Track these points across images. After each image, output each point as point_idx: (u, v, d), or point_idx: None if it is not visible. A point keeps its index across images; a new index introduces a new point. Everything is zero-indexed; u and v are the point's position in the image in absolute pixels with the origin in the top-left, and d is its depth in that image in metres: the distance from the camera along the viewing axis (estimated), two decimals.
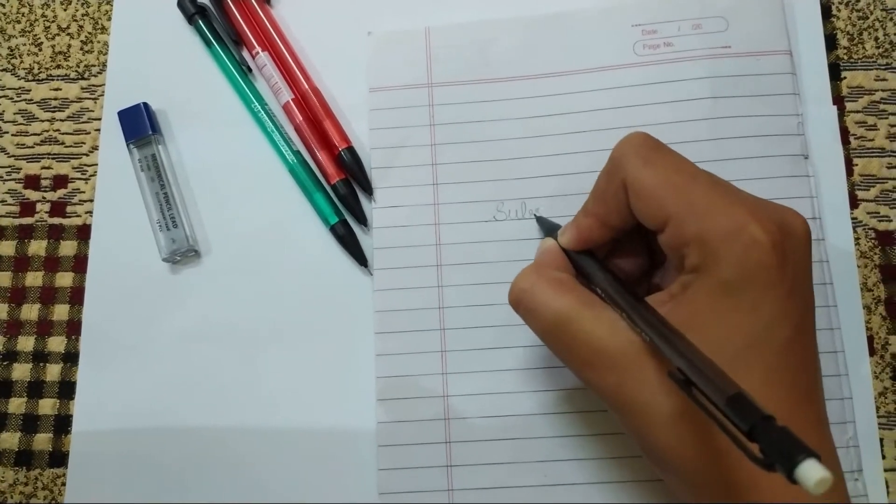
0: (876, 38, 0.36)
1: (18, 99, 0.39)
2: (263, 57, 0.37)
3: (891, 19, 0.37)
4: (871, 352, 0.33)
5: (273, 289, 0.35)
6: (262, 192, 0.36)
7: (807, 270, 0.24)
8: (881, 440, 0.32)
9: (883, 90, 0.36)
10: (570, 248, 0.28)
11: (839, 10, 0.37)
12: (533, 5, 0.37)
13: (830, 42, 0.36)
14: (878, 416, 0.32)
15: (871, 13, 0.37)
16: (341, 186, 0.35)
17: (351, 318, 0.34)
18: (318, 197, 0.35)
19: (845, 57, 0.36)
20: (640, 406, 0.23)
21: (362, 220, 0.35)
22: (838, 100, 0.36)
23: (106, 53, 0.39)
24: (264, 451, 0.33)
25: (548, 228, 0.32)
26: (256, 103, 0.37)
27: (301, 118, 0.36)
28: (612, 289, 0.25)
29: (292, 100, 0.37)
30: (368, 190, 0.35)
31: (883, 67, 0.36)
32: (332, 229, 0.35)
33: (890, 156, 0.35)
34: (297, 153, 0.36)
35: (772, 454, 0.17)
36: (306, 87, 0.36)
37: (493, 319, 0.33)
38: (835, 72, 0.36)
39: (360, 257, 0.35)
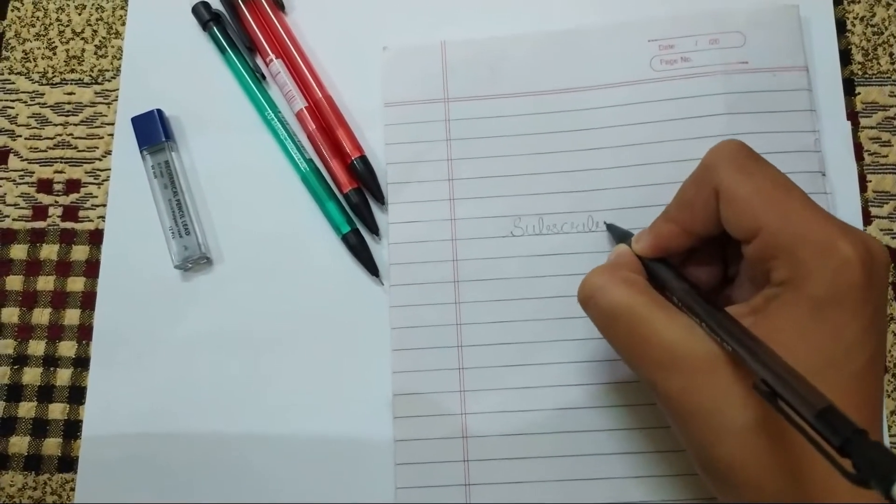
0: (891, 54, 0.36)
1: (32, 103, 0.39)
2: (277, 64, 0.37)
3: None
4: (884, 370, 0.33)
5: (284, 297, 0.35)
6: (274, 200, 0.36)
7: (886, 296, 0.24)
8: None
9: None
10: (646, 255, 0.27)
11: (854, 25, 0.37)
12: (548, 21, 0.37)
13: (845, 57, 0.36)
14: (890, 435, 0.32)
15: (886, 29, 0.37)
16: (353, 195, 0.35)
17: (362, 327, 0.34)
18: (331, 206, 0.35)
19: (860, 72, 0.36)
20: (709, 414, 0.23)
21: (374, 229, 0.35)
22: (852, 115, 0.36)
23: (120, 58, 0.39)
24: (274, 460, 0.34)
25: (619, 236, 0.31)
26: (270, 111, 0.37)
27: (314, 126, 0.36)
28: (691, 297, 0.25)
29: (305, 108, 0.37)
30: (381, 199, 0.35)
31: None
32: (344, 238, 0.35)
33: None
34: (309, 161, 0.36)
35: (866, 470, 0.17)
36: (320, 95, 0.36)
37: (512, 336, 0.33)
38: (849, 87, 0.36)
39: (371, 267, 0.35)
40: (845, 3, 0.37)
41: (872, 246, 0.23)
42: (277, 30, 0.38)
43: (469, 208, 0.34)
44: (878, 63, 0.36)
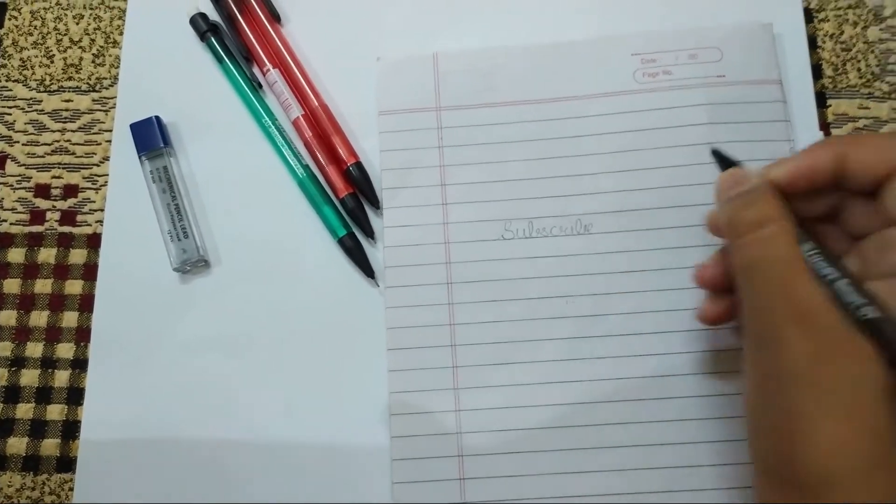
0: (859, 69, 0.38)
1: (30, 109, 0.40)
2: (274, 74, 0.38)
3: (872, 52, 0.39)
4: None
5: (281, 299, 0.36)
6: (271, 205, 0.37)
7: None
8: None
9: (866, 118, 0.38)
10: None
11: (824, 42, 0.39)
12: (537, 34, 0.38)
13: (816, 71, 0.38)
14: None
15: (854, 45, 0.39)
16: (349, 200, 0.36)
17: (358, 328, 0.35)
18: (327, 210, 0.36)
19: (830, 86, 0.38)
20: (839, 388, 0.22)
21: (369, 233, 0.36)
22: (824, 126, 0.38)
23: (117, 67, 0.40)
24: (271, 461, 0.34)
25: (728, 163, 0.28)
26: (267, 118, 0.38)
27: (311, 134, 0.37)
28: (826, 255, 0.24)
29: (302, 116, 0.38)
30: (376, 204, 0.36)
31: (865, 96, 0.38)
32: (341, 242, 0.36)
33: None
34: (306, 167, 0.37)
35: None
36: (316, 103, 0.38)
37: (504, 336, 0.34)
38: (821, 100, 0.38)
39: (367, 269, 0.36)
40: (816, 21, 0.39)
41: None
42: (274, 40, 0.39)
43: (461, 213, 0.35)
44: (848, 77, 0.38)
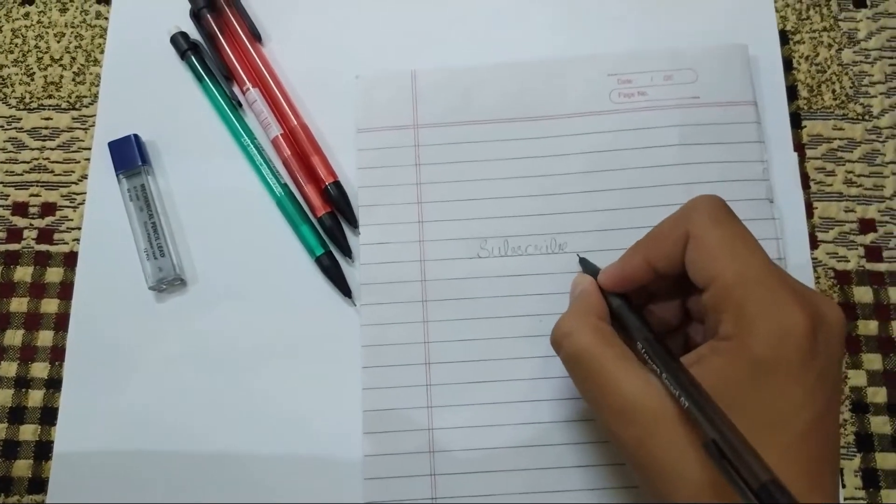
0: (833, 91, 0.39)
1: (9, 127, 0.40)
2: (254, 93, 0.38)
3: (846, 74, 0.39)
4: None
5: (258, 318, 0.36)
6: (249, 224, 0.37)
7: (837, 359, 0.25)
8: (841, 470, 0.33)
9: (840, 139, 0.38)
10: (610, 287, 0.29)
11: (800, 64, 0.39)
12: (514, 52, 0.39)
13: (791, 93, 0.39)
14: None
15: (829, 67, 0.39)
16: (327, 219, 0.36)
17: (334, 346, 0.35)
18: (305, 229, 0.36)
19: (805, 107, 0.39)
20: (664, 467, 0.24)
21: (347, 252, 0.36)
22: (799, 147, 0.38)
23: (98, 85, 0.40)
24: (246, 479, 0.34)
25: (590, 272, 0.32)
26: (246, 137, 0.38)
27: (289, 153, 0.37)
28: (651, 347, 0.26)
29: (281, 135, 0.38)
30: (354, 223, 0.36)
31: (840, 118, 0.38)
32: (318, 261, 0.36)
33: (847, 200, 0.37)
34: (284, 186, 0.37)
35: None
36: (295, 123, 0.38)
37: (477, 354, 0.34)
38: (796, 121, 0.38)
39: (344, 288, 0.36)
40: (792, 43, 0.40)
41: (826, 312, 0.24)
42: (254, 59, 0.39)
43: (437, 230, 0.36)
44: (823, 98, 0.39)
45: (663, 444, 0.24)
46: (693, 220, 0.26)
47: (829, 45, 0.40)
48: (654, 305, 0.30)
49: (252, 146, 0.38)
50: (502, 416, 0.33)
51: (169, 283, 0.36)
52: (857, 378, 0.35)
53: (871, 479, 0.34)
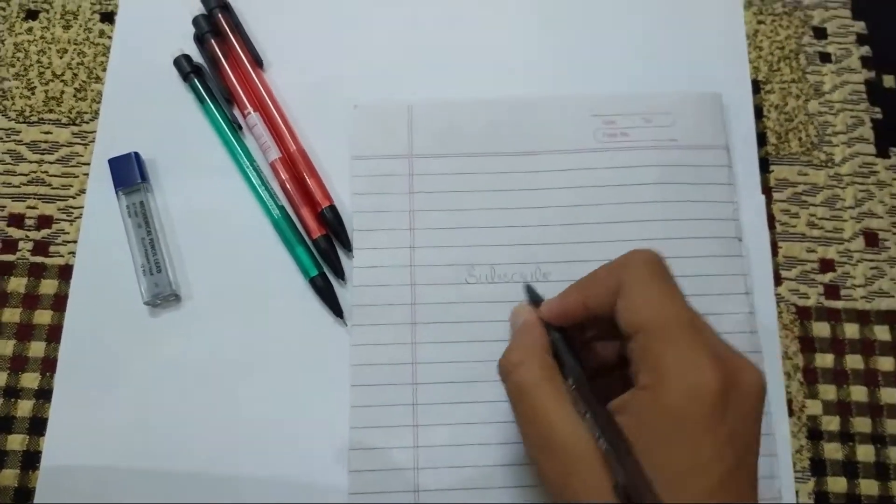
0: (800, 139, 0.42)
1: (8, 139, 0.41)
2: (254, 117, 0.40)
3: (812, 123, 0.42)
4: (790, 413, 0.37)
5: (250, 336, 0.37)
6: (245, 244, 0.38)
7: (750, 422, 0.25)
8: (797, 492, 0.36)
9: (804, 183, 0.41)
10: (549, 320, 0.30)
11: (769, 112, 0.42)
12: (507, 89, 0.41)
13: (761, 139, 0.41)
14: (795, 471, 0.36)
15: (796, 116, 0.42)
16: (322, 242, 0.38)
17: (324, 366, 0.36)
18: (300, 250, 0.38)
19: (774, 153, 0.41)
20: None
21: (340, 274, 0.38)
22: (766, 190, 0.41)
23: (99, 102, 0.41)
24: (234, 495, 0.35)
25: (532, 299, 0.33)
26: (245, 159, 0.39)
27: (287, 176, 0.39)
28: (580, 387, 0.27)
29: (279, 158, 0.39)
30: (348, 246, 0.38)
31: (805, 164, 0.41)
32: (312, 282, 0.37)
33: (809, 241, 0.40)
34: (281, 208, 0.38)
35: None
36: (294, 147, 0.39)
37: (462, 375, 0.35)
38: (764, 165, 0.41)
39: (336, 309, 0.37)
40: (762, 92, 0.43)
41: (741, 376, 0.25)
42: (255, 84, 0.40)
43: (428, 256, 0.37)
44: (790, 145, 0.42)
45: (584, 483, 0.25)
46: (627, 272, 0.28)
47: (797, 96, 0.43)
48: (596, 343, 0.31)
49: (251, 168, 0.39)
50: (486, 435, 0.35)
51: (164, 298, 0.37)
52: (813, 407, 0.37)
53: (824, 502, 0.36)
